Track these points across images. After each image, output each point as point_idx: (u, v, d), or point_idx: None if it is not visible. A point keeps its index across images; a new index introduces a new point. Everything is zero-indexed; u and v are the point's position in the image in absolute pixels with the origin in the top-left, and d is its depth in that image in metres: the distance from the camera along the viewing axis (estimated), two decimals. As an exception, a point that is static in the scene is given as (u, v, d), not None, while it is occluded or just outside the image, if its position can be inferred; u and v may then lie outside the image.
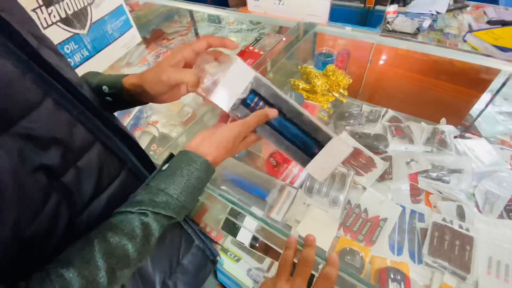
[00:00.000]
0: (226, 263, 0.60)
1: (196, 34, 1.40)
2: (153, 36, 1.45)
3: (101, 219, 0.31)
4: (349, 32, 0.85)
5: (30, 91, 0.26)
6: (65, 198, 0.29)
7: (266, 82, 0.41)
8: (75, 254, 0.27)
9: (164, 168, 0.35)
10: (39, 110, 0.26)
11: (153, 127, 0.88)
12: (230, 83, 0.41)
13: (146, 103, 0.45)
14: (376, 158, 0.75)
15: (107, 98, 0.42)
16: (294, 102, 0.42)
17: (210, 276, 0.56)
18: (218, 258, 0.54)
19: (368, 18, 1.22)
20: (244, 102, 0.42)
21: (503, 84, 0.79)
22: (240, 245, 0.62)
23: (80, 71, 0.42)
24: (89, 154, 0.31)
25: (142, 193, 0.32)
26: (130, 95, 0.42)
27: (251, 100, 0.42)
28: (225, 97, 0.42)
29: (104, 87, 0.42)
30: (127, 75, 0.42)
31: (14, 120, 0.24)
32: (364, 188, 0.70)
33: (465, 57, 0.73)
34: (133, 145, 0.40)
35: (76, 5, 0.74)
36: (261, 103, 0.42)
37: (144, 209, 0.30)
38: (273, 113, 0.41)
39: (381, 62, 1.18)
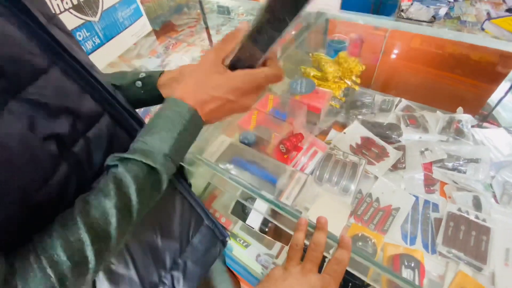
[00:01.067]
0: (235, 249, 0.60)
1: (206, 26, 1.39)
2: (163, 28, 1.46)
3: None
4: (362, 18, 0.83)
5: (37, 57, 0.26)
6: (75, 167, 0.29)
7: None
8: (57, 218, 0.27)
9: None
10: (47, 77, 0.26)
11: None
12: None
13: None
14: (389, 148, 0.73)
15: (138, 82, 0.44)
16: None
17: (219, 256, 0.55)
18: (227, 238, 0.54)
19: (381, 7, 1.18)
20: None
21: (524, 72, 0.76)
22: (249, 231, 0.61)
23: (92, 59, 0.43)
24: (98, 125, 0.31)
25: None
26: (162, 84, 0.44)
27: None
28: None
29: (142, 74, 0.44)
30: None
31: (22, 85, 0.25)
32: (376, 178, 0.68)
33: (485, 42, 0.70)
34: (140, 123, 0.40)
35: (87, -8, 0.74)
36: None
37: (114, 158, 0.29)
38: None
39: (394, 56, 1.15)
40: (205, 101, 0.33)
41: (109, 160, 0.29)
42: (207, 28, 1.39)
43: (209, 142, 0.61)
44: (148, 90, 0.45)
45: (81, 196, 0.28)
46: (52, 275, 0.24)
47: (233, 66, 0.34)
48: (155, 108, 0.94)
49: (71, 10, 0.71)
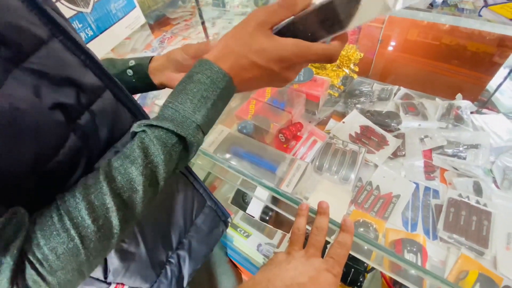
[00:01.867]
0: (236, 240, 0.60)
1: (201, 19, 1.37)
2: (157, 22, 1.44)
3: None
4: (359, 5, 0.81)
5: (38, 27, 0.26)
6: (83, 140, 0.29)
7: None
8: (81, 181, 0.27)
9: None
10: (48, 48, 0.26)
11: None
12: None
13: (162, 87, 0.47)
14: (388, 136, 0.73)
15: (129, 71, 0.44)
16: None
17: (222, 236, 0.56)
18: (229, 219, 0.54)
19: (378, -4, 1.18)
20: None
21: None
22: (250, 221, 0.61)
23: None
24: (101, 99, 0.31)
25: None
26: (152, 72, 0.44)
27: None
28: None
29: (131, 61, 0.44)
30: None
31: (25, 54, 0.25)
32: (376, 166, 0.68)
33: (482, 27, 0.69)
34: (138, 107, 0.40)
35: (79, -18, 0.72)
36: None
37: (142, 124, 0.28)
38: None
39: (391, 47, 1.14)
40: (244, 68, 0.29)
41: (136, 127, 0.28)
42: (202, 21, 1.37)
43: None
44: (140, 78, 0.45)
45: (106, 160, 0.28)
46: (76, 237, 0.24)
47: (279, 34, 0.29)
48: (151, 100, 0.93)
49: (62, 1, 0.69)
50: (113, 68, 0.45)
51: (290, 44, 0.28)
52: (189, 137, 0.28)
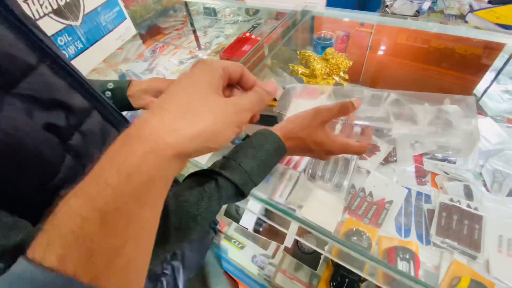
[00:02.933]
0: (231, 251, 0.59)
1: (193, 28, 1.38)
2: (149, 31, 1.44)
3: None
4: (347, 14, 0.83)
5: (26, 54, 0.27)
6: (77, 160, 0.30)
7: None
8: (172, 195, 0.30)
9: (238, 142, 0.38)
10: (37, 73, 0.27)
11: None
12: None
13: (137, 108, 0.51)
14: (380, 142, 0.73)
15: (107, 92, 0.48)
16: None
17: (212, 243, 0.59)
18: (218, 226, 0.56)
19: (366, 3, 1.20)
20: None
21: (508, 61, 0.77)
22: (244, 232, 0.61)
23: (76, 64, 0.44)
24: (90, 120, 0.32)
25: (214, 163, 0.36)
26: (132, 95, 0.49)
27: None
28: None
29: (110, 84, 0.47)
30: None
31: (15, 81, 0.25)
32: (368, 172, 0.69)
33: (468, 33, 0.71)
34: (127, 121, 0.41)
35: (68, -4, 0.72)
36: None
37: (214, 170, 0.33)
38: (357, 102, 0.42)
39: (380, 52, 1.16)
40: (300, 148, 0.39)
41: (208, 170, 0.34)
42: (194, 30, 1.37)
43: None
44: (118, 100, 0.48)
45: (181, 189, 0.32)
46: None
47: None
48: (142, 112, 0.93)
49: (50, 15, 0.69)
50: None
51: (339, 142, 0.40)
52: (246, 194, 0.35)
